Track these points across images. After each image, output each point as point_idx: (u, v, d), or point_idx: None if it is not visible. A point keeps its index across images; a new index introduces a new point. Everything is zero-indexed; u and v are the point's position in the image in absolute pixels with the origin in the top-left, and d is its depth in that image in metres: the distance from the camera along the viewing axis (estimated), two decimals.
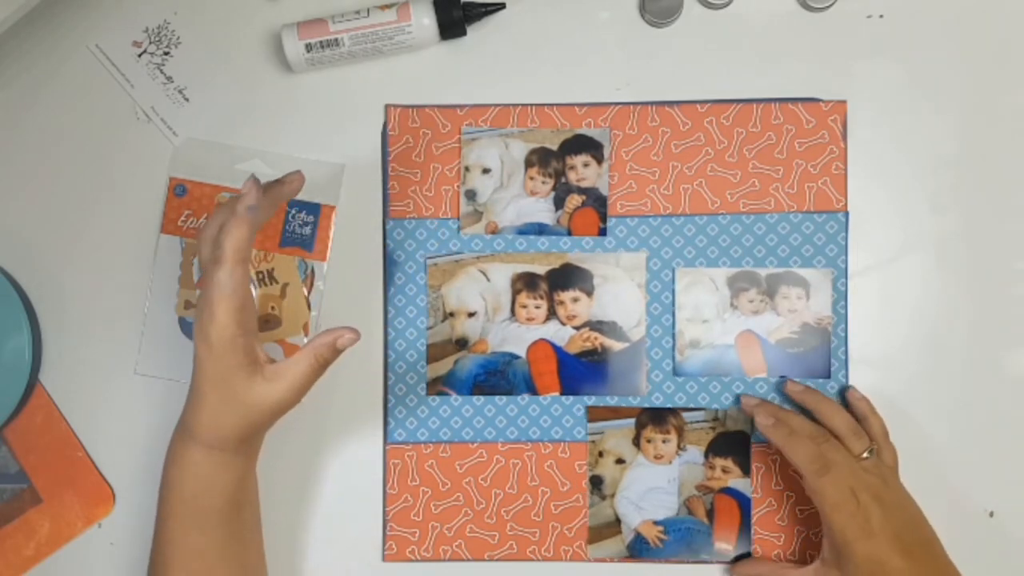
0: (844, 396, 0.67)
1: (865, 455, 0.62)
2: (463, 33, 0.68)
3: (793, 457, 0.62)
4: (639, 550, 0.67)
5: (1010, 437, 0.67)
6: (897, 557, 0.58)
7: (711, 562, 0.67)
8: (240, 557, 0.61)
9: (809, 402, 0.65)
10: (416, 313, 0.68)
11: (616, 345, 0.68)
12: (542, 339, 0.68)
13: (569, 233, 0.68)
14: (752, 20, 0.68)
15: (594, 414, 0.68)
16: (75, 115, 0.70)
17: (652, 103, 0.68)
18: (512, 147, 0.68)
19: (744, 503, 0.67)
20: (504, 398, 0.68)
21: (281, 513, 0.68)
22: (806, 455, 0.61)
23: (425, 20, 0.66)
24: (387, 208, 0.68)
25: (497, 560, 0.68)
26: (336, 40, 0.66)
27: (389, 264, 0.68)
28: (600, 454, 0.68)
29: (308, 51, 0.66)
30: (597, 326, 0.68)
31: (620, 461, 0.68)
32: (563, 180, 0.68)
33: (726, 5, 0.68)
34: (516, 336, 0.68)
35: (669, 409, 0.67)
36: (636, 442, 0.68)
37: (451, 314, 0.68)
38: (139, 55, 0.69)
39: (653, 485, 0.67)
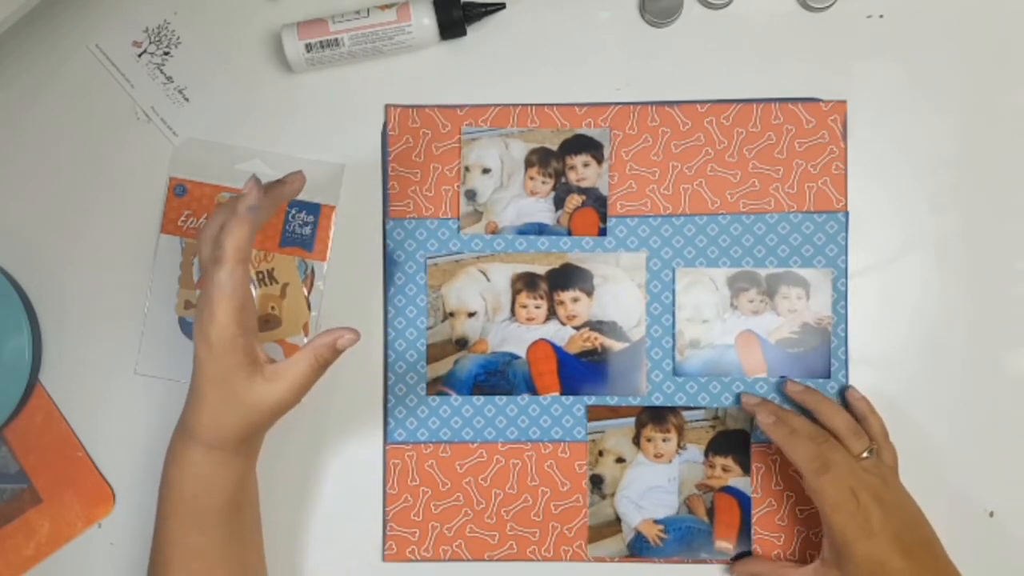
0: (844, 396, 0.67)
1: (865, 455, 0.62)
2: (463, 33, 0.67)
3: (793, 456, 0.62)
4: (639, 549, 0.67)
5: (1010, 437, 0.67)
6: (897, 557, 0.58)
7: (711, 561, 0.67)
8: (240, 557, 0.61)
9: (809, 402, 0.65)
10: (416, 313, 0.68)
11: (616, 345, 0.68)
12: (542, 339, 0.68)
13: (569, 233, 0.68)
14: (752, 20, 0.68)
15: (594, 414, 0.68)
16: (75, 115, 0.70)
17: (652, 103, 0.68)
18: (512, 147, 0.68)
19: (744, 502, 0.67)
20: (504, 398, 0.68)
21: (281, 513, 0.68)
22: (806, 454, 0.61)
23: (425, 20, 0.66)
24: (387, 208, 0.68)
25: (497, 560, 0.68)
26: (336, 40, 0.66)
27: (389, 264, 0.68)
28: (600, 453, 0.68)
29: (308, 51, 0.66)
30: (597, 326, 0.68)
31: (620, 460, 0.68)
32: (563, 180, 0.68)
33: (726, 5, 0.68)
34: (516, 336, 0.68)
35: (669, 408, 0.67)
36: (636, 441, 0.68)
37: (451, 314, 0.68)
38: (139, 55, 0.69)
39: (653, 484, 0.67)
